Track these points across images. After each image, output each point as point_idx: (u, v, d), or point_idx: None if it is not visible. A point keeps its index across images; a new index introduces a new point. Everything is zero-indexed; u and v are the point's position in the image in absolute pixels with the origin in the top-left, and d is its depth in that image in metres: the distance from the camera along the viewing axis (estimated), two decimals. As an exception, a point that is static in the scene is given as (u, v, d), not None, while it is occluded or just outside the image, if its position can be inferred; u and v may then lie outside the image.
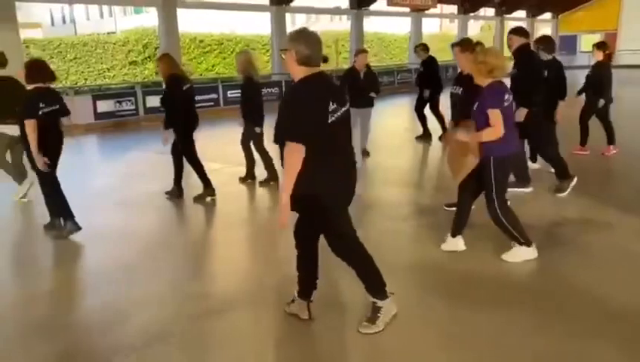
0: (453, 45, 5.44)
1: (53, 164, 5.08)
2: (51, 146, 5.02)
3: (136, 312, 3.64)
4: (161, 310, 3.67)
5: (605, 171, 7.39)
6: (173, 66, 6.04)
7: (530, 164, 6.88)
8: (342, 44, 21.20)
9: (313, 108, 2.88)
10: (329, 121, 2.90)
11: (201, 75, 20.08)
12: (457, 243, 4.44)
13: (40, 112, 4.84)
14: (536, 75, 5.75)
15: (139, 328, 3.42)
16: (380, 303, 3.21)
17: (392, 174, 7.65)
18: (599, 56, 7.74)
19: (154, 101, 11.98)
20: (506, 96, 4.04)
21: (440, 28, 36.89)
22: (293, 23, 26.99)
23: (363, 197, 6.35)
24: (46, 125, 4.89)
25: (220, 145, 9.31)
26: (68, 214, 5.12)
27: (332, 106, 2.91)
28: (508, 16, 27.30)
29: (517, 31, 5.87)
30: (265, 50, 21.05)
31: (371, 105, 8.23)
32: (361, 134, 8.38)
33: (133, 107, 12.99)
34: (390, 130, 11.46)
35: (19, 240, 5.38)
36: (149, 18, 22.95)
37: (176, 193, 6.31)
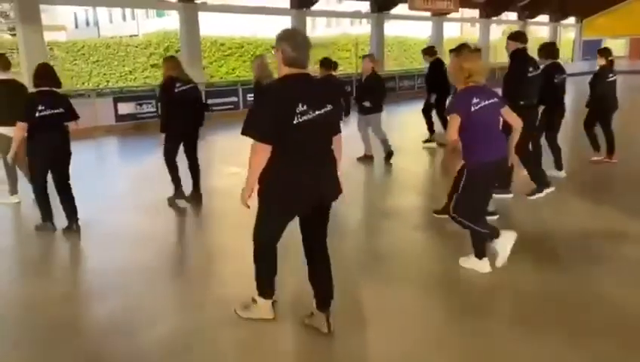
0: (450, 51, 5.29)
1: (51, 166, 5.16)
2: (51, 148, 5.08)
3: (149, 319, 3.61)
4: (174, 317, 3.64)
5: (636, 180, 7.19)
6: (173, 68, 6.02)
7: (556, 173, 6.81)
8: (362, 47, 21.14)
9: (276, 108, 2.85)
10: (294, 122, 2.85)
11: (221, 78, 20.19)
12: (484, 266, 4.13)
13: (37, 114, 4.90)
14: (520, 77, 5.65)
15: (151, 336, 3.38)
16: (257, 298, 3.41)
17: (409, 180, 7.55)
18: (602, 62, 7.67)
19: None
20: (475, 100, 3.81)
21: (461, 32, 36.62)
22: (314, 26, 27.06)
23: (380, 203, 6.30)
24: (44, 128, 4.95)
25: (239, 148, 9.27)
26: (47, 216, 5.31)
27: (301, 108, 2.86)
28: (531, 20, 26.89)
29: (513, 36, 5.93)
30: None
31: (374, 111, 7.99)
32: (378, 139, 8.25)
33: (153, 109, 13.08)
34: (408, 135, 11.33)
35: (32, 242, 5.38)
36: (171, 21, 23.17)
37: (193, 197, 6.30)
